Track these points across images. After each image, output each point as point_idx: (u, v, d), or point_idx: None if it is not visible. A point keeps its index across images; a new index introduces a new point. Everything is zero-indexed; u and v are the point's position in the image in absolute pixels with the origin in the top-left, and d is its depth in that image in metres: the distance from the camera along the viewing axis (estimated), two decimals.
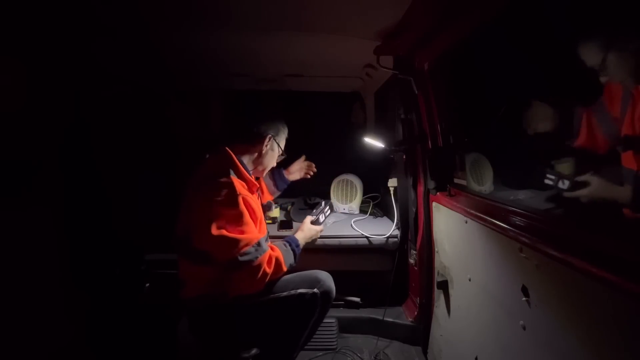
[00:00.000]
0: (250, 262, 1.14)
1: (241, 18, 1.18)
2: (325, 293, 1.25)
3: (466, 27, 1.05)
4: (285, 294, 1.23)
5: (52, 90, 1.37)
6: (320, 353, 1.52)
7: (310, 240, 1.49)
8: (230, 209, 1.14)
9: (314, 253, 1.46)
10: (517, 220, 0.90)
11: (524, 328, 0.85)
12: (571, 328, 0.70)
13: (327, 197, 2.15)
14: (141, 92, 1.96)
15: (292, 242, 1.35)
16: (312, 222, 1.54)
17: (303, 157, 1.76)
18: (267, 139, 1.33)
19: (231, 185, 1.16)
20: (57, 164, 1.39)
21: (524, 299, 0.84)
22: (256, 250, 1.15)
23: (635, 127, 0.82)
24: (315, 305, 1.24)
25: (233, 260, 1.13)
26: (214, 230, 1.11)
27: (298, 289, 1.23)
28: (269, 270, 1.18)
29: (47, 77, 1.34)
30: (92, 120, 1.60)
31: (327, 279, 1.28)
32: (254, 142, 1.33)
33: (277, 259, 1.22)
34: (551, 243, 0.75)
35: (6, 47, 1.13)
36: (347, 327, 1.68)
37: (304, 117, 2.40)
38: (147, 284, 1.79)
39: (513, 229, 0.88)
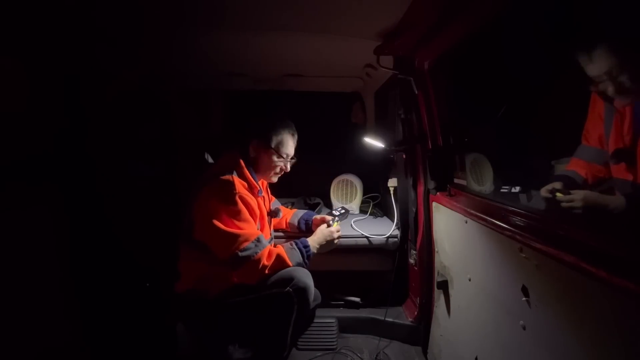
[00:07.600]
0: (249, 257, 1.18)
1: (241, 18, 1.18)
2: (300, 290, 1.22)
3: (466, 27, 1.05)
4: (256, 295, 1.22)
5: (52, 90, 1.37)
6: (320, 353, 1.52)
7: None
8: (228, 205, 1.18)
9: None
10: (517, 220, 0.90)
11: (524, 328, 0.85)
12: (571, 328, 0.70)
13: (327, 197, 2.15)
14: (141, 92, 1.95)
15: (299, 242, 1.34)
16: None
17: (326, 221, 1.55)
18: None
19: (230, 184, 1.20)
20: (57, 164, 1.39)
21: (524, 299, 0.84)
22: (256, 245, 1.19)
23: (624, 141, 0.84)
24: (291, 303, 1.22)
25: (234, 256, 1.17)
26: (214, 225, 1.16)
27: (270, 289, 1.22)
28: (268, 263, 1.21)
29: (47, 77, 1.34)
30: (92, 120, 1.60)
31: (302, 276, 1.24)
32: (245, 148, 1.35)
33: (278, 254, 1.24)
34: (551, 243, 0.75)
35: (7, 47, 1.13)
36: (347, 327, 1.68)
37: (304, 117, 2.40)
38: (148, 284, 1.80)
39: (513, 229, 0.88)
